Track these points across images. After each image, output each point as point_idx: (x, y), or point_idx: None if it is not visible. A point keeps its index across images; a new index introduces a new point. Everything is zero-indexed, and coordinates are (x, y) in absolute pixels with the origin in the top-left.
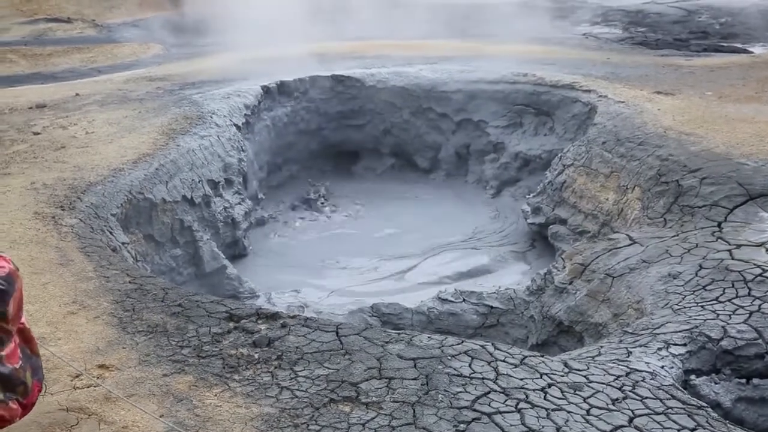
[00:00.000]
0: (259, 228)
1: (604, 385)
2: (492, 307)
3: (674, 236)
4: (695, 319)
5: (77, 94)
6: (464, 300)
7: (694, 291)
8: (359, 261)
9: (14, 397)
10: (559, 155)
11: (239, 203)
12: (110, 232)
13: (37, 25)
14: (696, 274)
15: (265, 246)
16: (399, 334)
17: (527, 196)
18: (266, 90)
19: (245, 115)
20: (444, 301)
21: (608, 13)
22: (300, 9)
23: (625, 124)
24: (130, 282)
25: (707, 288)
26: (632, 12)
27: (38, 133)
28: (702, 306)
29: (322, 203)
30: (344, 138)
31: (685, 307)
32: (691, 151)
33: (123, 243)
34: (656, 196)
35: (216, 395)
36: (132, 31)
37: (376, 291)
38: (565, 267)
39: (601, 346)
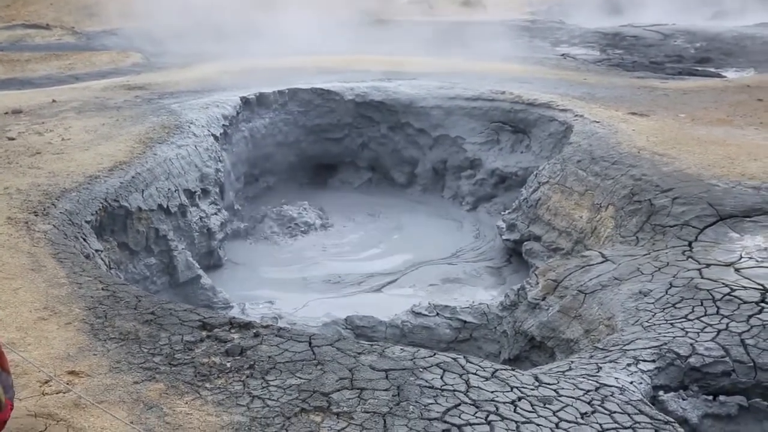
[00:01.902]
0: (235, 239)
1: (574, 399)
2: (465, 321)
3: (646, 254)
4: (664, 336)
5: (54, 101)
6: (438, 314)
7: (664, 308)
8: (335, 274)
9: None
10: (535, 173)
11: (215, 213)
12: (84, 239)
13: (15, 30)
14: (666, 292)
15: (241, 257)
16: (371, 345)
17: (503, 213)
18: (245, 101)
19: (223, 125)
20: (417, 314)
21: (586, 35)
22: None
23: (600, 144)
24: (102, 289)
25: (677, 306)
26: (609, 34)
27: (13, 139)
28: (671, 323)
29: (299, 215)
30: (322, 151)
31: (654, 324)
32: (664, 171)
33: (97, 250)
34: (629, 215)
35: (187, 403)
36: (111, 39)
37: (351, 304)
38: (538, 283)
39: (572, 361)
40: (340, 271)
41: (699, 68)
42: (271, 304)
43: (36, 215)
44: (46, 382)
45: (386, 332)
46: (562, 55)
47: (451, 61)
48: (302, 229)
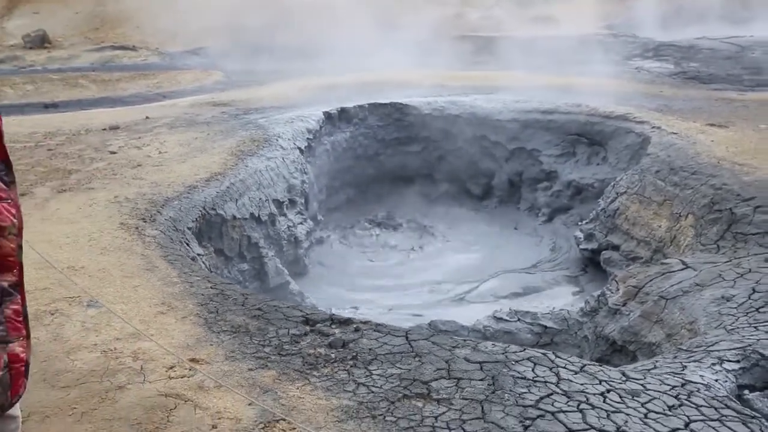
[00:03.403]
0: (318, 247)
1: (661, 393)
2: (546, 326)
3: (727, 262)
4: (748, 338)
5: (147, 117)
6: (519, 319)
7: (747, 313)
8: (415, 282)
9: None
10: (613, 183)
11: (301, 223)
12: (187, 244)
13: (104, 52)
14: (749, 297)
15: (324, 265)
16: (465, 340)
17: (579, 223)
18: (327, 115)
19: (307, 139)
20: (499, 319)
21: (660, 48)
22: (357, 42)
23: (678, 154)
24: (211, 288)
25: (760, 310)
26: (684, 47)
27: (115, 153)
28: (755, 327)
29: (380, 226)
30: (400, 163)
31: (738, 328)
32: (745, 180)
33: (198, 254)
34: (709, 224)
35: (298, 388)
36: (193, 59)
37: (433, 310)
38: (618, 289)
39: (656, 361)
40: (421, 279)
41: None
42: (356, 309)
43: (144, 221)
44: (171, 367)
45: (468, 336)
46: (636, 68)
47: (525, 75)
48: (384, 239)
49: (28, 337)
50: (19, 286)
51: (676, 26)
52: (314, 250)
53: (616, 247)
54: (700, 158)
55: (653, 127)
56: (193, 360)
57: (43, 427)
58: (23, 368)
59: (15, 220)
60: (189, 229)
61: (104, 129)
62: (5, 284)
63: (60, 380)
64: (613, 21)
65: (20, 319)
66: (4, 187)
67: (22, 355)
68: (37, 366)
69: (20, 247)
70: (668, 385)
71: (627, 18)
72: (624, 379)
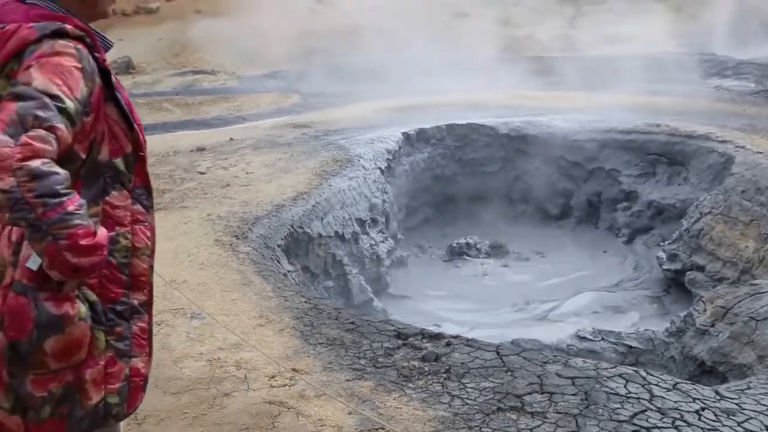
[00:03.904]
0: (399, 266)
1: (757, 413)
2: (631, 346)
3: None
4: None
5: (231, 139)
6: (603, 339)
7: None
8: (495, 300)
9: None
10: (696, 203)
11: (383, 241)
12: (277, 261)
13: (186, 76)
14: None
15: (405, 283)
16: (555, 356)
17: (661, 244)
18: (406, 136)
19: (387, 159)
20: (582, 339)
21: (739, 66)
22: (427, 63)
23: (764, 174)
24: (305, 302)
25: None
26: (764, 65)
27: (203, 173)
28: None
29: (458, 245)
30: (477, 183)
31: None
32: None
33: (288, 271)
34: None
35: (395, 399)
36: (270, 82)
37: (515, 329)
38: (706, 310)
39: (750, 381)
40: (501, 298)
41: None
42: (438, 327)
43: (237, 238)
44: (273, 377)
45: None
46: (715, 87)
47: (600, 95)
48: (462, 258)
49: (150, 354)
50: (148, 305)
51: (754, 43)
52: (395, 269)
53: (700, 268)
54: None
55: (737, 147)
56: (293, 370)
57: (159, 429)
58: (142, 383)
59: (149, 243)
60: (278, 246)
61: (191, 150)
62: (135, 302)
63: (171, 387)
64: (689, 39)
65: (145, 336)
66: (143, 211)
67: (143, 371)
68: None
69: (152, 268)
70: (764, 405)
71: (703, 35)
72: (718, 398)
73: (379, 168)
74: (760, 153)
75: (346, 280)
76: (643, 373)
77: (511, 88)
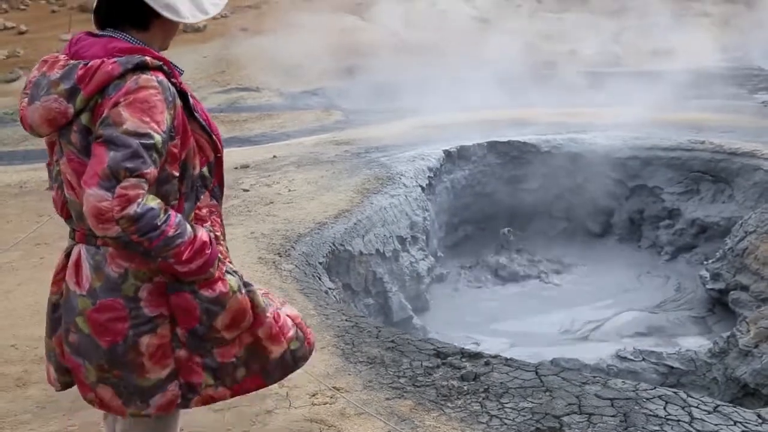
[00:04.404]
0: (438, 283)
1: None
2: (672, 367)
3: None
4: None
5: (275, 156)
6: (644, 359)
7: None
8: (535, 318)
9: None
10: (740, 222)
11: (423, 259)
12: (319, 278)
13: (231, 93)
14: None
15: (445, 301)
16: (594, 377)
17: (705, 263)
18: (447, 154)
19: (428, 176)
20: (623, 359)
21: None
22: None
23: None
24: (346, 320)
25: None
26: None
27: (247, 190)
28: None
29: (498, 262)
30: (518, 201)
31: None
32: None
33: (330, 288)
34: None
35: (434, 418)
36: (313, 99)
37: (554, 347)
38: (749, 331)
39: None
40: (541, 316)
41: None
42: (477, 345)
43: (280, 256)
44: (314, 395)
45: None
46: (762, 102)
47: (644, 111)
48: (502, 276)
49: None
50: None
51: None
52: (434, 286)
53: (744, 288)
54: None
55: None
56: (334, 388)
57: None
58: (302, 322)
59: (223, 229)
60: (320, 264)
61: (236, 168)
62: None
63: (215, 404)
64: (735, 53)
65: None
66: (216, 203)
67: (296, 312)
68: None
69: (226, 249)
70: None
71: (749, 49)
72: (760, 421)
73: (420, 185)
74: None
75: (386, 298)
76: (683, 395)
77: (553, 104)
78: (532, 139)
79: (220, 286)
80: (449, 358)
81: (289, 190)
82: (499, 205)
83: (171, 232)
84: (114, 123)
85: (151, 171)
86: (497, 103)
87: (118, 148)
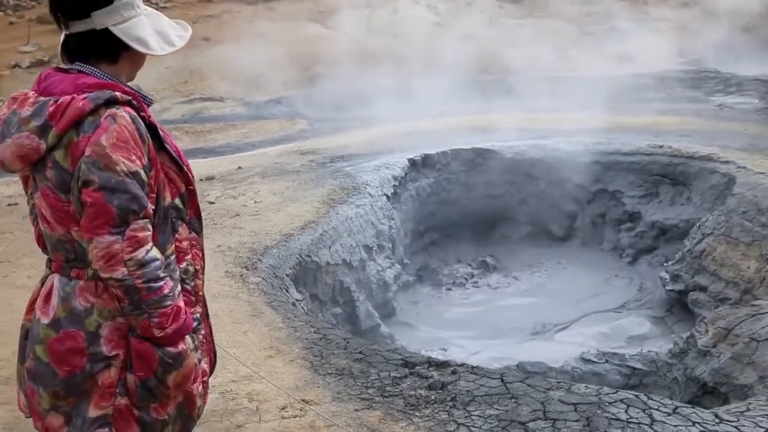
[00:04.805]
0: (405, 290)
1: None
2: (635, 368)
3: None
4: None
5: (240, 167)
6: (607, 361)
7: None
8: (501, 322)
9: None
10: (698, 224)
11: (389, 267)
12: (287, 290)
13: (194, 104)
14: None
15: (412, 308)
16: (558, 382)
17: (665, 264)
18: (412, 162)
19: (394, 185)
20: (587, 361)
21: (743, 84)
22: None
23: (766, 195)
24: (314, 332)
25: None
26: None
27: (213, 203)
28: None
29: (463, 268)
30: (482, 207)
31: None
32: None
33: (297, 300)
34: None
35: (402, 428)
36: (278, 108)
37: (521, 351)
38: (708, 331)
39: (750, 403)
40: (506, 320)
41: None
42: (444, 351)
43: (247, 269)
44: (283, 408)
45: (557, 378)
46: (719, 105)
47: (605, 116)
48: (468, 281)
49: (210, 353)
50: (205, 315)
51: (756, 59)
52: (401, 293)
53: (703, 288)
54: None
55: (739, 167)
56: (303, 401)
57: None
58: (207, 381)
59: (203, 263)
60: (287, 275)
61: (201, 180)
62: (197, 314)
63: None
64: (692, 57)
65: (206, 341)
66: (196, 236)
67: (207, 370)
68: None
69: (203, 283)
70: (762, 428)
71: (705, 53)
72: (717, 421)
73: (386, 194)
74: (762, 173)
75: (354, 307)
76: (644, 398)
77: (516, 110)
78: (495, 145)
79: (182, 343)
80: (417, 368)
81: (255, 202)
82: (464, 212)
83: (167, 290)
84: (106, 167)
85: (150, 208)
86: (460, 110)
87: (119, 193)
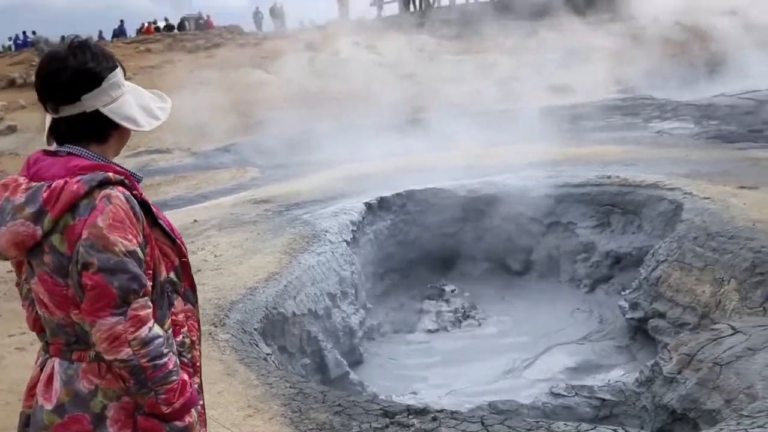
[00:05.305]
0: (370, 335)
1: None
2: (604, 399)
3: None
4: None
5: (195, 221)
6: (576, 394)
7: None
8: (468, 362)
9: None
10: (652, 252)
11: (354, 313)
12: (256, 345)
13: (141, 156)
14: None
15: (378, 352)
16: (537, 422)
17: (623, 293)
18: (368, 206)
19: (352, 230)
20: (557, 395)
21: (678, 108)
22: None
23: (713, 220)
24: (290, 387)
25: None
26: (702, 106)
27: None
28: None
29: (425, 308)
30: (440, 246)
31: None
32: None
33: (268, 354)
34: (753, 287)
35: None
36: (226, 156)
37: (491, 389)
38: (672, 358)
39: (721, 429)
40: (473, 359)
41: None
42: (415, 395)
43: (215, 326)
44: None
45: (529, 414)
46: (658, 131)
47: (550, 148)
48: (430, 320)
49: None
50: (202, 385)
51: (686, 85)
52: (367, 338)
53: (662, 315)
54: (735, 222)
55: (685, 194)
56: None
57: None
58: None
59: (199, 334)
60: (255, 330)
61: None
62: (196, 385)
63: None
64: (627, 85)
65: (203, 412)
66: (191, 307)
67: None
68: None
69: (200, 354)
70: None
71: (639, 81)
72: None
73: (345, 240)
74: (707, 199)
75: (322, 356)
76: (622, 431)
77: (464, 146)
78: (448, 185)
79: (188, 417)
80: (397, 417)
81: (215, 256)
82: (421, 251)
83: (171, 366)
84: (104, 248)
85: (149, 286)
86: (407, 149)
87: (119, 274)
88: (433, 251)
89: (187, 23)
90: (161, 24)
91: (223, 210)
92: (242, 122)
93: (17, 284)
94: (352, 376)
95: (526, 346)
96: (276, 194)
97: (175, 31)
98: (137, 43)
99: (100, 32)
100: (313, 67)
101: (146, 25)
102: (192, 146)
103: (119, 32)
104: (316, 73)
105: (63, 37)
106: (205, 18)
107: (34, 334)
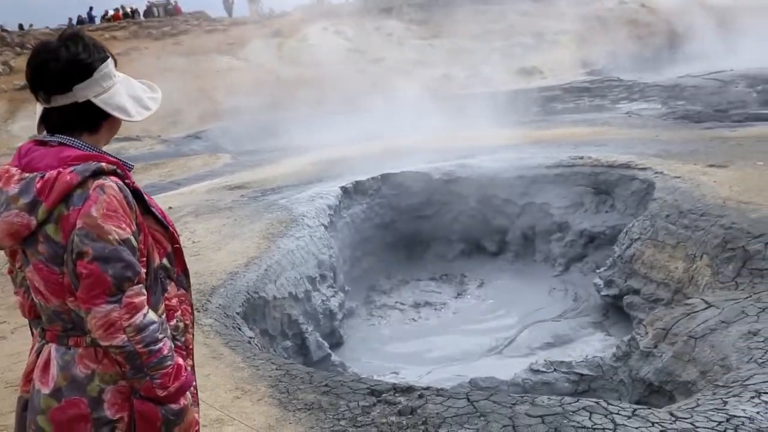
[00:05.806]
0: (349, 317)
1: (710, 430)
2: (582, 374)
3: (748, 297)
4: None
5: (170, 207)
6: (555, 369)
7: None
8: (447, 341)
9: None
10: (626, 230)
11: (333, 296)
12: (239, 329)
13: (111, 144)
14: None
15: (357, 334)
16: (522, 396)
17: (597, 271)
18: (344, 190)
19: (329, 214)
20: (536, 372)
21: (645, 90)
22: (352, 109)
23: (684, 198)
24: (276, 369)
25: None
26: (669, 87)
27: None
28: None
29: (402, 289)
30: (416, 228)
31: None
32: (753, 218)
33: (250, 338)
34: (725, 262)
35: None
36: (197, 143)
37: (472, 367)
38: (647, 333)
39: (698, 399)
40: (452, 338)
41: (765, 112)
42: (396, 374)
43: (198, 311)
44: None
45: (509, 391)
46: (627, 112)
47: (521, 131)
48: (408, 302)
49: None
50: (194, 367)
51: (650, 66)
52: (346, 320)
53: (636, 291)
54: (706, 200)
55: (656, 173)
56: None
57: None
58: (198, 430)
59: (192, 317)
60: (238, 314)
61: None
62: (189, 367)
63: None
64: (594, 67)
65: (196, 392)
66: (184, 292)
67: (198, 419)
68: None
69: (193, 337)
70: (714, 421)
71: (605, 62)
72: (673, 419)
73: (323, 224)
74: (678, 177)
75: (303, 339)
76: (604, 404)
77: (436, 129)
78: (423, 168)
79: (183, 399)
80: (384, 395)
81: (193, 242)
82: (398, 234)
83: (166, 351)
84: (99, 237)
85: (142, 273)
86: (380, 133)
87: (114, 262)
88: (409, 234)
89: (155, 9)
90: (129, 9)
91: (197, 197)
92: (212, 108)
93: (9, 271)
94: (334, 357)
95: (505, 324)
96: (250, 180)
97: (141, 18)
98: (102, 30)
99: (70, 20)
100: (282, 53)
101: (114, 11)
102: (162, 133)
103: (87, 19)
104: (285, 58)
105: (21, 25)
106: (173, 3)
107: (17, 322)
